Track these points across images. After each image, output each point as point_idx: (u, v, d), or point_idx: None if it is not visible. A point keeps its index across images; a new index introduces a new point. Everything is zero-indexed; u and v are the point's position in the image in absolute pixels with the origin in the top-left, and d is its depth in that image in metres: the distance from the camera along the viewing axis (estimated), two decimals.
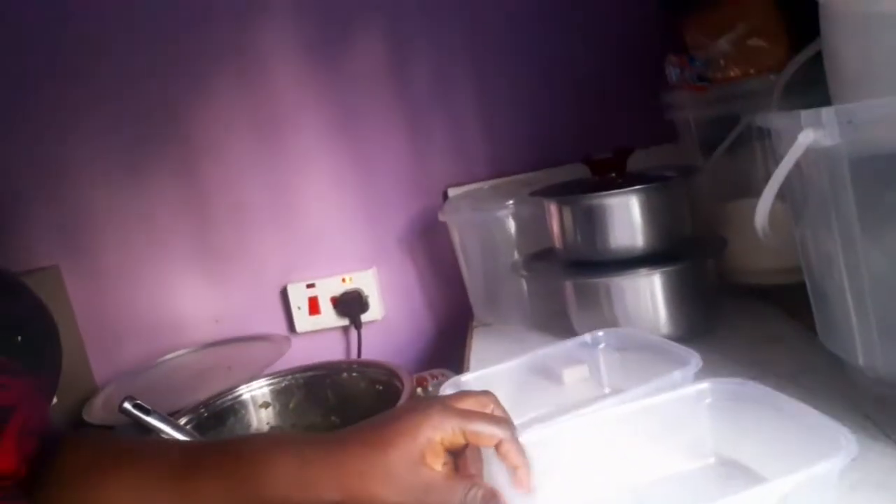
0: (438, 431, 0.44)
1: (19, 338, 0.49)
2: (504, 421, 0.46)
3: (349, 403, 0.89)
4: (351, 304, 1.18)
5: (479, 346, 0.95)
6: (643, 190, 0.79)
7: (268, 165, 1.19)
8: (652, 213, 0.79)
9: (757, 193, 0.56)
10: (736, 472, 0.51)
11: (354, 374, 0.89)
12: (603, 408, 0.53)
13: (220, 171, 1.19)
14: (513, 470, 0.45)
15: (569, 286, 0.84)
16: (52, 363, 0.52)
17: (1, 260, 1.13)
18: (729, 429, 0.52)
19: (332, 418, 0.90)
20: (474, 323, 1.05)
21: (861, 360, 0.55)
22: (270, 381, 0.91)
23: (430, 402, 0.46)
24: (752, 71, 0.86)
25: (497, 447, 0.45)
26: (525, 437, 0.47)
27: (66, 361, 1.15)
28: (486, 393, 0.48)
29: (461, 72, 1.16)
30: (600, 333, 0.69)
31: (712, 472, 0.52)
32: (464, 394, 0.48)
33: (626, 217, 0.79)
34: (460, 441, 0.45)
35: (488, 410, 0.47)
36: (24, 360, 0.48)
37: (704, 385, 0.53)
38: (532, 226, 0.95)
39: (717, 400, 0.52)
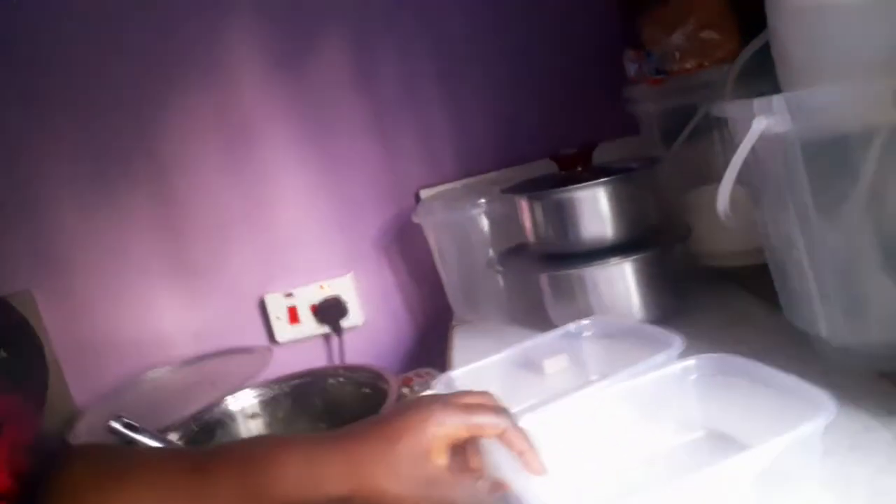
0: (443, 427, 0.45)
1: (3, 354, 0.48)
2: (504, 411, 0.48)
3: (337, 409, 0.90)
4: (330, 311, 1.18)
5: (460, 345, 0.97)
6: (609, 182, 0.82)
7: (238, 178, 1.19)
8: (619, 204, 0.82)
9: (718, 180, 0.59)
10: (724, 444, 0.53)
11: (340, 380, 0.90)
12: (592, 391, 0.55)
13: (191, 186, 1.18)
14: (519, 455, 0.46)
15: (544, 279, 0.87)
16: (37, 379, 0.52)
17: None
18: (715, 402, 0.54)
19: (321, 425, 0.91)
20: (454, 322, 1.06)
21: (824, 332, 0.58)
22: (258, 392, 0.92)
23: (433, 400, 0.48)
24: (706, 63, 0.89)
25: (501, 437, 0.46)
26: (521, 422, 0.49)
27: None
28: (484, 392, 0.50)
29: (426, 76, 1.17)
30: (584, 322, 0.71)
31: (702, 445, 0.55)
32: (464, 392, 0.50)
33: (595, 209, 0.82)
34: (463, 435, 0.46)
35: (493, 402, 0.49)
36: (9, 377, 0.47)
37: (689, 361, 0.55)
38: (505, 223, 0.97)
39: (703, 375, 0.54)
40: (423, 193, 1.18)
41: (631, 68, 0.93)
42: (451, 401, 0.47)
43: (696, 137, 0.90)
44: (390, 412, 0.49)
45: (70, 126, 1.15)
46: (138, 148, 1.17)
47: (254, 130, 1.18)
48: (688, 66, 0.90)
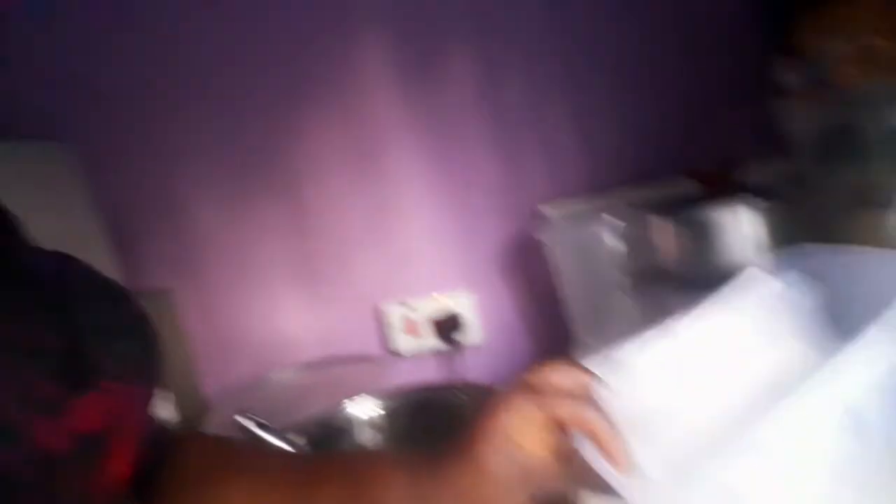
0: (516, 413, 0.43)
1: (122, 345, 0.49)
2: (587, 398, 0.43)
3: (456, 426, 0.88)
4: (447, 327, 1.18)
5: None
6: (758, 203, 0.75)
7: (365, 188, 1.21)
8: (767, 227, 0.76)
9: (880, 205, 0.52)
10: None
11: (462, 396, 0.89)
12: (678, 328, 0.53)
13: (321, 194, 1.22)
14: (601, 448, 0.42)
15: (682, 305, 0.81)
16: (153, 371, 0.52)
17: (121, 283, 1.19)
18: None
19: (439, 441, 0.90)
20: (576, 346, 1.02)
21: None
22: (379, 402, 0.92)
23: (513, 384, 0.45)
24: (872, 74, 0.81)
25: (581, 426, 0.42)
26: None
27: (178, 382, 1.19)
28: (569, 369, 0.45)
29: (551, 87, 1.15)
30: None
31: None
32: (546, 370, 0.45)
33: (741, 231, 0.76)
34: (541, 420, 0.43)
35: (577, 384, 0.44)
36: (125, 368, 0.48)
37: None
38: (636, 242, 0.92)
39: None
40: (546, 209, 1.15)
41: (784, 79, 0.86)
42: (525, 383, 0.44)
43: (858, 158, 0.82)
44: (477, 420, 0.46)
45: (208, 141, 1.21)
46: (273, 155, 1.21)
47: (381, 142, 1.20)
48: (851, 77, 0.82)
